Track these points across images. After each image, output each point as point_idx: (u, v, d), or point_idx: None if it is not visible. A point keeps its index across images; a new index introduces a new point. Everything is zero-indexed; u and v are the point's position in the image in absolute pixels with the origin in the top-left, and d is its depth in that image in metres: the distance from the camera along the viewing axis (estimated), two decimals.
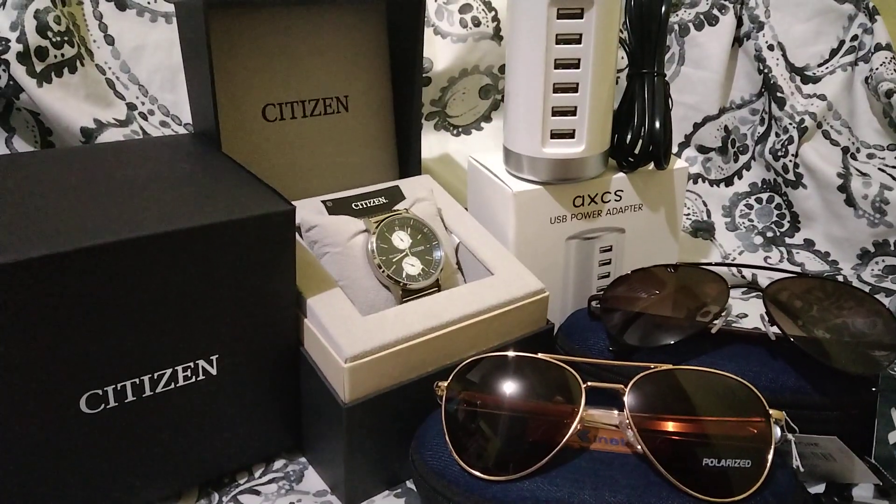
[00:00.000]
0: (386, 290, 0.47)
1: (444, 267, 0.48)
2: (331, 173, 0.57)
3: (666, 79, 0.54)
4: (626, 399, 0.38)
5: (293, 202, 0.50)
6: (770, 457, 0.37)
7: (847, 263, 0.70)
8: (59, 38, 0.56)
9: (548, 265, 0.54)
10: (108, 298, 0.36)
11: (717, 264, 0.51)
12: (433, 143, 0.73)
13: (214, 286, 0.39)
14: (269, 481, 0.45)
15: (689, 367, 0.40)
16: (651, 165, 0.55)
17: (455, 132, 0.74)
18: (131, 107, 0.61)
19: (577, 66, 0.49)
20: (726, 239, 0.74)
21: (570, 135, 0.50)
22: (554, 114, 0.50)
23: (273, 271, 0.41)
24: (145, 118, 0.61)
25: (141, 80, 0.61)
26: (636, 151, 0.53)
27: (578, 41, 0.48)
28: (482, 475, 0.37)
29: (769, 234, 0.73)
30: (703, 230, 0.75)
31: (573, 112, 0.50)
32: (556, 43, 0.48)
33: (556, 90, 0.49)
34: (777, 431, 0.37)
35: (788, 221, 0.73)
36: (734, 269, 0.65)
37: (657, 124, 0.52)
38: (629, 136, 0.53)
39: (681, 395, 0.38)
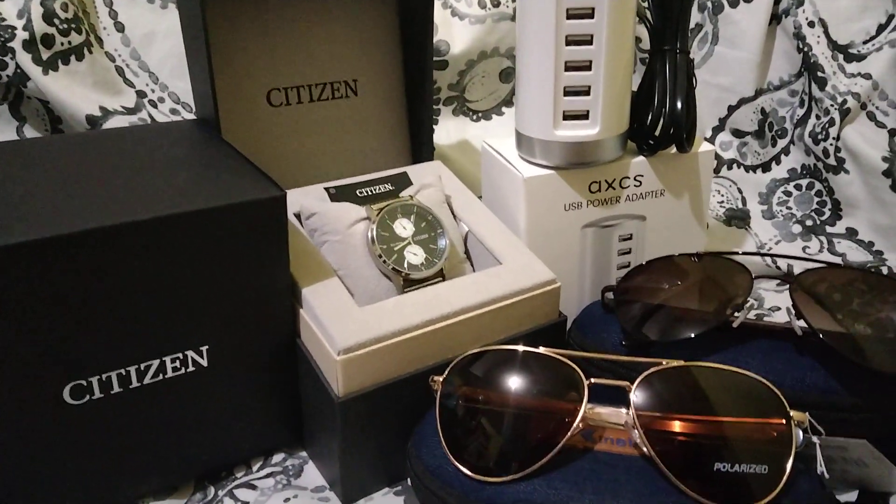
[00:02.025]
0: (387, 280, 0.45)
1: (450, 256, 0.46)
2: (340, 160, 0.55)
3: (690, 56, 0.51)
4: (633, 397, 0.35)
5: (297, 189, 0.48)
6: (790, 462, 0.34)
7: (893, 254, 0.65)
8: (66, 26, 0.55)
9: (562, 255, 0.51)
10: (91, 285, 0.35)
11: (744, 253, 0.48)
12: (451, 129, 0.70)
13: (202, 274, 0.38)
14: (267, 475, 0.43)
15: (701, 364, 0.37)
16: (673, 148, 0.51)
17: (475, 117, 0.72)
18: (141, 94, 0.60)
19: (589, 41, 0.46)
20: (762, 228, 0.70)
21: (584, 116, 0.48)
22: (566, 93, 0.47)
23: (265, 260, 0.39)
24: (155, 106, 0.60)
25: (151, 68, 0.61)
26: (656, 133, 0.50)
27: (591, 16, 0.45)
28: (476, 475, 0.35)
29: (808, 223, 0.69)
30: (737, 218, 0.71)
31: (587, 92, 0.47)
32: (567, 18, 0.45)
33: (567, 68, 0.46)
34: (799, 434, 0.34)
35: (829, 209, 0.69)
36: (768, 259, 0.61)
37: (679, 104, 0.49)
38: (649, 118, 0.50)
39: (692, 394, 0.36)
